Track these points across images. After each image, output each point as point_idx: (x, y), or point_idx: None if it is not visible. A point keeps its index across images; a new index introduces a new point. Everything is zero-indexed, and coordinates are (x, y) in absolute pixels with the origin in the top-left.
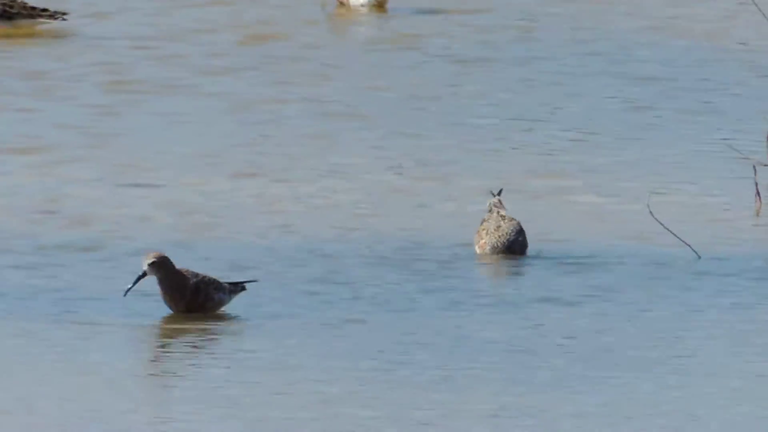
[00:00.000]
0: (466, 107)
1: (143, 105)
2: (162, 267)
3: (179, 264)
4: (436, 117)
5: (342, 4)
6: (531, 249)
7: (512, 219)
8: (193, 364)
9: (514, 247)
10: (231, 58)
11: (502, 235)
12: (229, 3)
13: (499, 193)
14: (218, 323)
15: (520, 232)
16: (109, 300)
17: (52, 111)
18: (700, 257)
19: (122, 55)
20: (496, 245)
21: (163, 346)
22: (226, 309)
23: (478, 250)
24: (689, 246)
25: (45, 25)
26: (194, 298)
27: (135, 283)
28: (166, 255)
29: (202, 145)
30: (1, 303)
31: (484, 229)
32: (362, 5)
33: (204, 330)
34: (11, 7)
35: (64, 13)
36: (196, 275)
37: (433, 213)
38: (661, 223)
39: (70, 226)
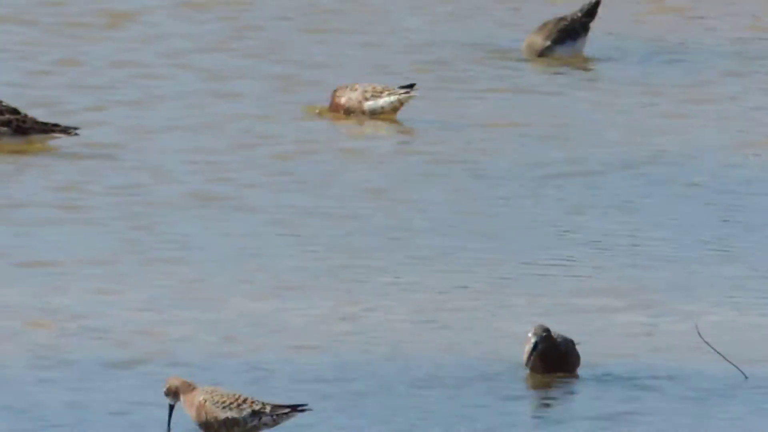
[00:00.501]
0: (509, 222)
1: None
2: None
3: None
4: (479, 234)
5: (344, 109)
6: (581, 366)
7: (559, 336)
8: None
9: (549, 362)
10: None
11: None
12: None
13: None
14: None
15: (559, 345)
16: None
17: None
18: (747, 378)
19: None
20: (527, 359)
21: None
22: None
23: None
24: (736, 367)
25: (57, 140)
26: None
27: (169, 417)
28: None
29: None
30: None
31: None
32: (382, 108)
33: None
34: (24, 122)
35: (75, 128)
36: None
37: (485, 330)
38: (709, 344)
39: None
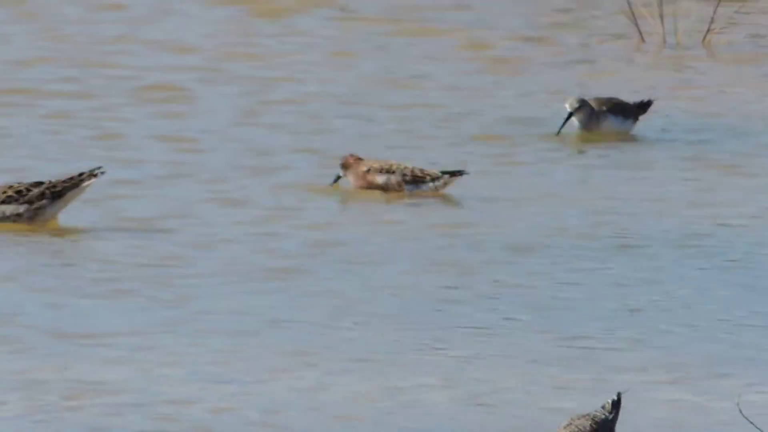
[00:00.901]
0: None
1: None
2: None
3: None
4: (521, 308)
5: (366, 181)
6: None
7: (590, 417)
8: None
9: None
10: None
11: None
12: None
13: (618, 397)
14: None
15: (592, 430)
16: None
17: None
18: None
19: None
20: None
21: None
22: None
23: None
24: None
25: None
26: None
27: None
28: None
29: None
30: None
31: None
32: (424, 190)
33: None
34: (54, 186)
35: (99, 167)
36: None
37: (526, 407)
38: (752, 422)
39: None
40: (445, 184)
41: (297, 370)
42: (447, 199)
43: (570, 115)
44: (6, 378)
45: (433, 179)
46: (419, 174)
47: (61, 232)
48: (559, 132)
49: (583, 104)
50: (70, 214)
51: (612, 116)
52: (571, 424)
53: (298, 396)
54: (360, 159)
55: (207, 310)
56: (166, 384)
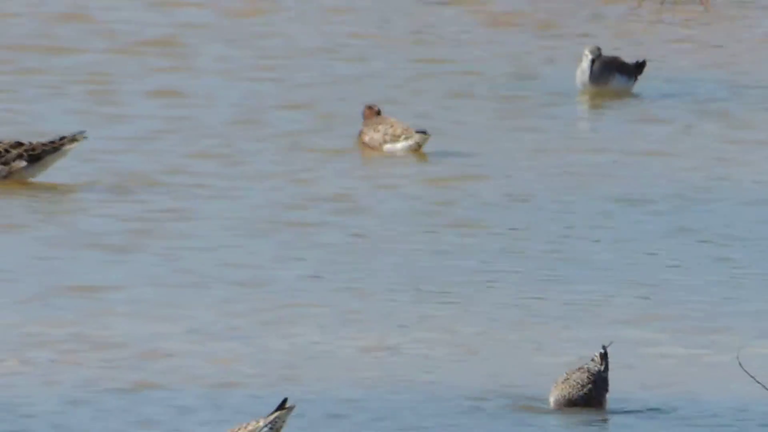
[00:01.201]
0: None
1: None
2: None
3: None
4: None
5: (368, 146)
6: (617, 400)
7: (586, 370)
8: None
9: (578, 401)
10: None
11: (567, 387)
12: None
13: (605, 349)
14: None
15: (588, 384)
16: None
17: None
18: None
19: None
20: (558, 398)
21: None
22: None
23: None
24: None
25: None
26: None
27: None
28: None
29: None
30: None
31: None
32: (401, 151)
33: None
34: (33, 149)
35: (82, 132)
36: None
37: (524, 363)
38: (751, 375)
39: None
40: (419, 144)
41: (291, 324)
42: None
43: (593, 61)
44: (2, 332)
45: (407, 137)
46: (398, 133)
47: (56, 187)
48: (583, 89)
49: (600, 54)
50: (64, 169)
51: (619, 74)
52: (568, 378)
53: (298, 352)
54: (376, 114)
55: (202, 263)
56: (162, 338)
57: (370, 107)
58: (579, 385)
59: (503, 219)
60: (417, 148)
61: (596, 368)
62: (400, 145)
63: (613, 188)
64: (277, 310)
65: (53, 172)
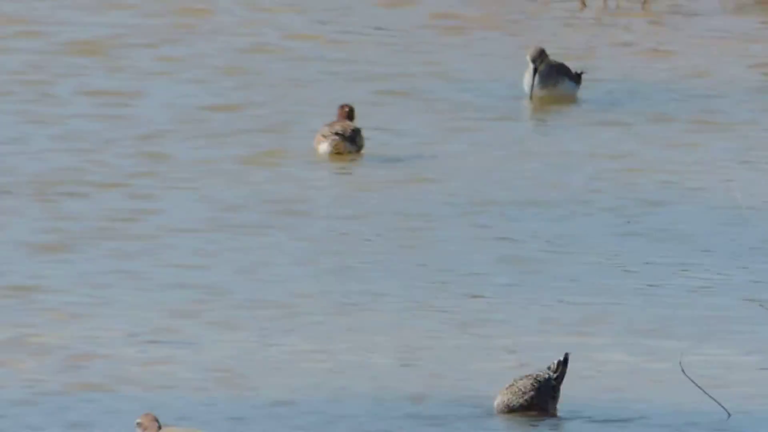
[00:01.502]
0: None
1: None
2: None
3: None
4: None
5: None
6: (561, 405)
7: (533, 377)
8: None
9: (517, 408)
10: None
11: (509, 393)
12: None
13: (566, 356)
14: None
15: (530, 391)
16: None
17: None
18: (729, 415)
19: None
20: (499, 404)
21: None
22: None
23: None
24: (719, 403)
25: None
26: None
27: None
28: None
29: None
30: None
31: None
32: (327, 154)
33: None
34: None
35: None
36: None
37: (467, 368)
38: (693, 381)
39: None
40: (337, 149)
41: (238, 334)
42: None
43: (535, 69)
44: None
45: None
46: (324, 134)
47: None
48: (531, 94)
49: (544, 57)
50: (9, 169)
51: (568, 79)
52: (513, 384)
53: (239, 358)
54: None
55: (153, 265)
56: (110, 340)
57: (342, 107)
58: (520, 392)
59: (449, 223)
60: (337, 152)
61: (546, 375)
62: (322, 148)
63: (561, 192)
64: (218, 312)
65: None
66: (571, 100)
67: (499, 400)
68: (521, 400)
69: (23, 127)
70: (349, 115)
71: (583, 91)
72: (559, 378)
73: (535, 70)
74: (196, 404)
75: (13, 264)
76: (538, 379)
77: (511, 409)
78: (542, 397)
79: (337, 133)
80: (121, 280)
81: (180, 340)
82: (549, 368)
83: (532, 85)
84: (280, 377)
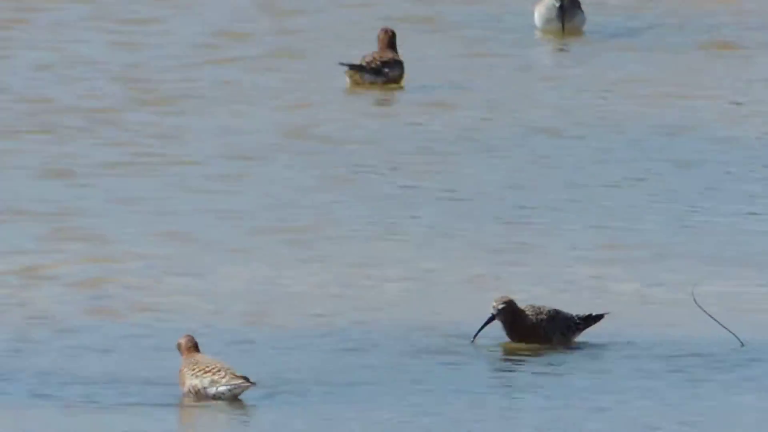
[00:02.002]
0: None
1: None
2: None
3: None
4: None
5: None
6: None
7: (556, 309)
8: None
9: (529, 321)
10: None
11: (531, 308)
12: None
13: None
14: None
15: (548, 316)
16: None
17: None
18: (743, 344)
19: None
20: (511, 308)
21: None
22: None
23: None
24: (733, 334)
25: None
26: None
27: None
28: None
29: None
30: None
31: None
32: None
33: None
34: None
35: None
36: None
37: (475, 299)
38: (705, 311)
39: None
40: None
41: (250, 267)
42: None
43: (562, 4)
44: None
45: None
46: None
47: None
48: (563, 26)
49: None
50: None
51: (580, 11)
52: (537, 305)
53: (251, 290)
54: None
55: (172, 191)
56: (127, 267)
57: (384, 30)
58: (536, 311)
59: (458, 152)
60: (356, 82)
61: (569, 315)
62: (350, 77)
63: (571, 124)
64: (235, 244)
65: None
66: (582, 30)
67: (517, 304)
68: (533, 318)
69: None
70: (391, 41)
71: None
72: (581, 326)
73: (562, 5)
74: (212, 331)
75: (29, 190)
76: (560, 313)
77: (519, 316)
78: (552, 326)
79: (359, 65)
80: (143, 207)
81: (197, 272)
82: (578, 316)
83: (562, 20)
84: (297, 306)
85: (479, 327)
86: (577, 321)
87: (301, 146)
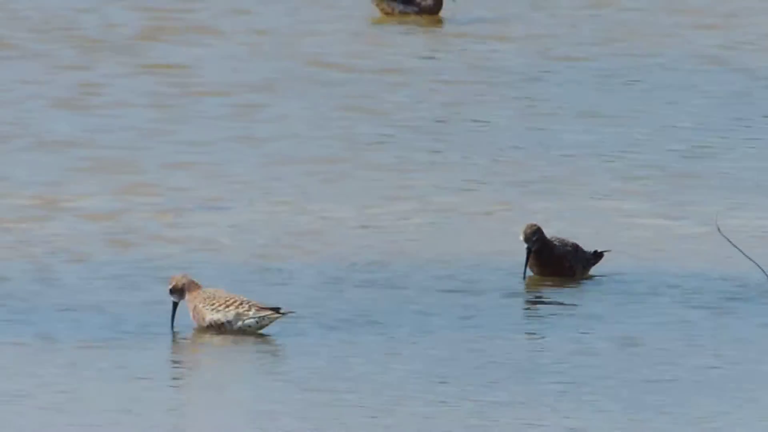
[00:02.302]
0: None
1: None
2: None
3: None
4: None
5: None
6: (596, 271)
7: (578, 244)
8: None
9: (556, 249)
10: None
11: (557, 238)
12: None
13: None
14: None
15: (572, 249)
16: None
17: None
18: None
19: None
20: (535, 232)
21: None
22: None
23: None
24: (758, 265)
25: None
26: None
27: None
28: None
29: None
30: None
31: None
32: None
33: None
34: None
35: None
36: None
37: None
38: (732, 243)
39: None
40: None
41: (273, 202)
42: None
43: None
44: None
45: None
46: None
47: None
48: None
49: None
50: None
51: None
52: (559, 237)
53: (273, 224)
54: None
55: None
56: (145, 200)
57: None
58: (563, 243)
59: (486, 82)
60: (384, 12)
61: (585, 249)
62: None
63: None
64: (260, 182)
65: None
66: None
67: (544, 233)
68: (561, 249)
69: None
70: None
71: None
72: (593, 261)
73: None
74: (233, 270)
75: (45, 120)
76: (579, 247)
77: (547, 246)
78: (576, 258)
79: None
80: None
81: (223, 207)
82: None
83: None
84: (315, 240)
85: (524, 264)
86: (589, 256)
87: (323, 76)
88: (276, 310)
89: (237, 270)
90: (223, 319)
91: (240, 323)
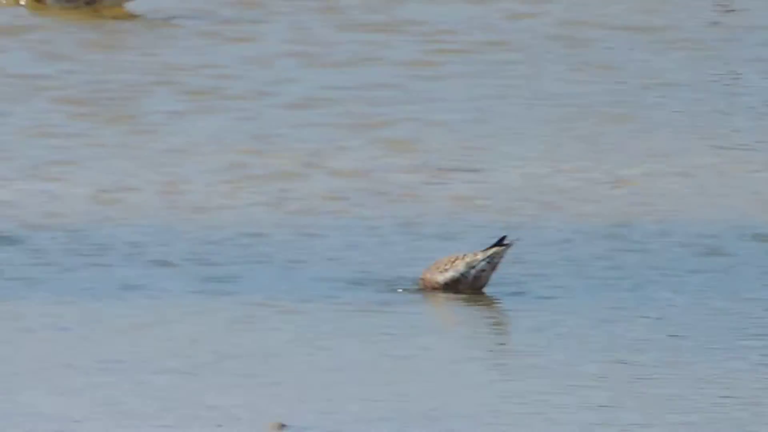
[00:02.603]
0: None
1: None
2: None
3: None
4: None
5: None
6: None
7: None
8: None
9: None
10: None
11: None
12: None
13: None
14: None
15: None
16: None
17: None
18: None
19: None
20: None
21: None
22: None
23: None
24: None
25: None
26: None
27: None
28: None
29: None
30: None
31: None
32: None
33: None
34: None
35: None
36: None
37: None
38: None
39: None
40: None
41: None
42: None
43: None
44: None
45: None
46: None
47: None
48: None
49: None
50: None
51: None
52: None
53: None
54: None
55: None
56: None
57: None
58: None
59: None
60: None
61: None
62: None
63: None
64: (500, 140)
65: None
66: None
67: None
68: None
69: None
70: None
71: None
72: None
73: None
74: (480, 229)
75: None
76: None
77: None
78: None
79: None
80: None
81: (472, 169)
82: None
83: None
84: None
85: None
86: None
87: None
88: (500, 243)
89: (490, 229)
90: (457, 274)
91: (473, 271)
